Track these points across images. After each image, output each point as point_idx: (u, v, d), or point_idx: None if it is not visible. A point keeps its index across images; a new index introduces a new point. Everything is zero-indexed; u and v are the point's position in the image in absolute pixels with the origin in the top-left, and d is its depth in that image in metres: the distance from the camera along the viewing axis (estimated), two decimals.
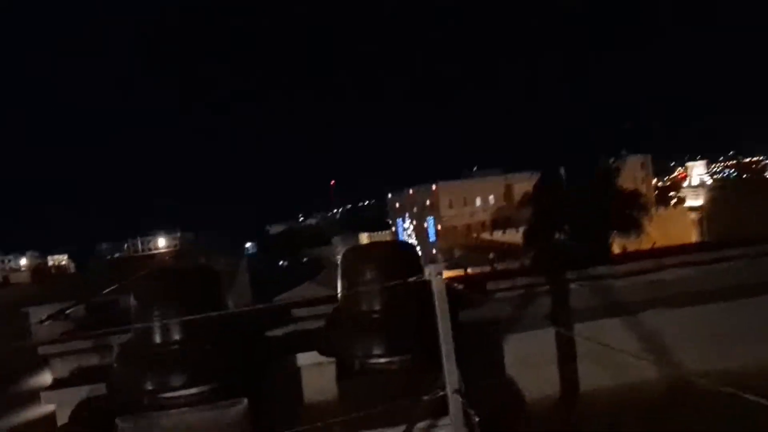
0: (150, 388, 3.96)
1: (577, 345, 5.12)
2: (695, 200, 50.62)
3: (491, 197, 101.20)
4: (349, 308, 4.39)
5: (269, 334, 5.07)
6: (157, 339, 4.11)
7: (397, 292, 4.03)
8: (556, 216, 26.90)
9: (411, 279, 3.64)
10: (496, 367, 5.04)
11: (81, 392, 4.73)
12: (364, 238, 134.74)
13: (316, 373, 4.73)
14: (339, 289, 4.66)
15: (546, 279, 5.56)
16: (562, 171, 27.75)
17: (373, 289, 4.19)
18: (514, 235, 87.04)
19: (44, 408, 5.49)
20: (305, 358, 4.79)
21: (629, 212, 26.96)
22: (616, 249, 27.63)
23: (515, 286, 5.34)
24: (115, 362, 4.25)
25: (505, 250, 73.07)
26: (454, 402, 3.36)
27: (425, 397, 3.48)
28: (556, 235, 27.40)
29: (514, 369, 5.07)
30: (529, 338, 5.07)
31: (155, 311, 4.12)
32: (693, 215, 50.82)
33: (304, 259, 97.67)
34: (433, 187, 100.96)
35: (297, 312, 5.29)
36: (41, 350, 5.29)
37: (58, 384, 5.00)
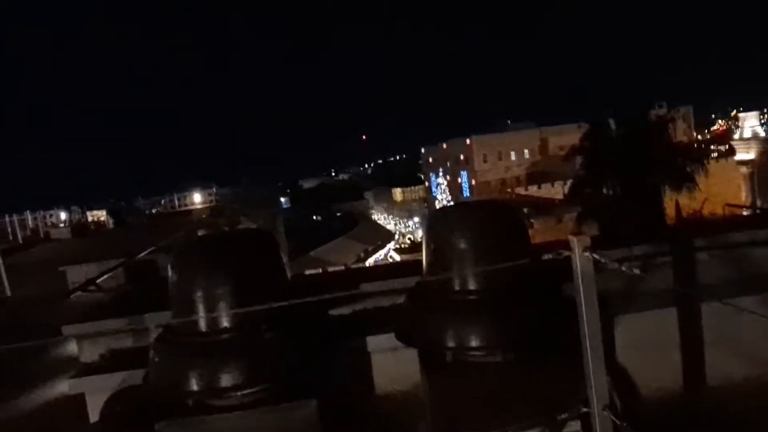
0: (196, 387, 3.17)
1: (705, 328, 4.19)
2: (746, 153, 48.11)
3: (526, 151, 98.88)
4: (440, 286, 3.49)
5: (333, 312, 4.23)
6: (204, 325, 3.31)
7: (503, 269, 3.13)
8: (605, 169, 25.54)
9: (547, 256, 2.74)
10: (605, 353, 4.15)
11: (113, 379, 4.01)
12: (397, 193, 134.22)
13: (392, 362, 3.91)
14: (425, 259, 3.73)
15: (668, 246, 4.52)
16: (611, 122, 26.22)
17: (473, 263, 3.30)
18: (550, 190, 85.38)
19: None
20: (378, 343, 3.97)
21: (683, 165, 25.43)
22: (668, 205, 26.31)
23: (629, 256, 4.32)
24: (152, 353, 3.44)
25: (541, 206, 71.58)
26: (603, 422, 2.51)
27: (562, 416, 2.62)
28: (604, 190, 26.09)
29: (627, 356, 4.17)
30: (646, 319, 4.15)
31: (199, 289, 3.30)
32: (744, 169, 48.40)
33: (338, 214, 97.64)
34: (467, 141, 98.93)
35: (366, 286, 4.37)
36: (66, 330, 4.54)
37: (87, 370, 4.27)
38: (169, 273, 3.55)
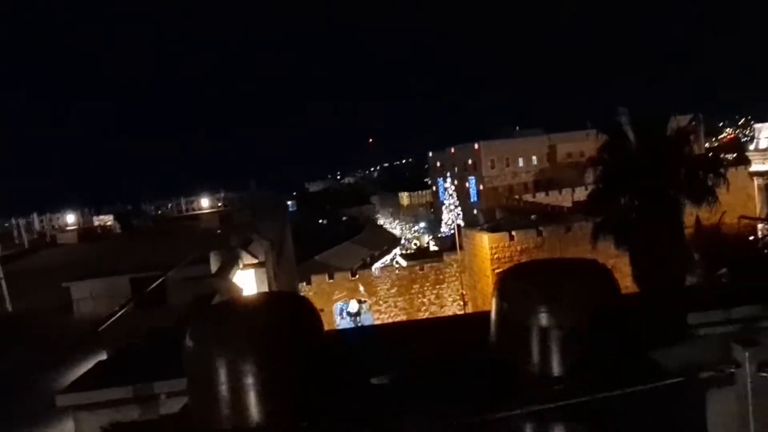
0: None
1: None
2: (763, 164, 47.35)
3: (534, 157, 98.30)
4: (518, 366, 2.88)
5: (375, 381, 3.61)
6: (227, 410, 2.70)
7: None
8: (623, 181, 24.90)
9: (706, 374, 2.15)
10: None
11: None
12: (403, 197, 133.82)
13: None
14: (495, 327, 3.10)
15: None
16: (629, 132, 25.57)
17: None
18: (557, 197, 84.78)
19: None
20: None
21: (704, 178, 24.75)
22: (687, 219, 25.65)
23: (736, 318, 3.58)
24: None
25: (549, 213, 70.99)
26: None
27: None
28: (622, 201, 25.47)
29: None
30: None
31: (224, 376, 2.69)
32: (759, 180, 47.68)
33: (344, 218, 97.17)
34: (476, 146, 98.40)
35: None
36: (60, 401, 3.93)
37: None
38: (186, 346, 2.92)
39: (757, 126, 53.63)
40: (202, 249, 16.06)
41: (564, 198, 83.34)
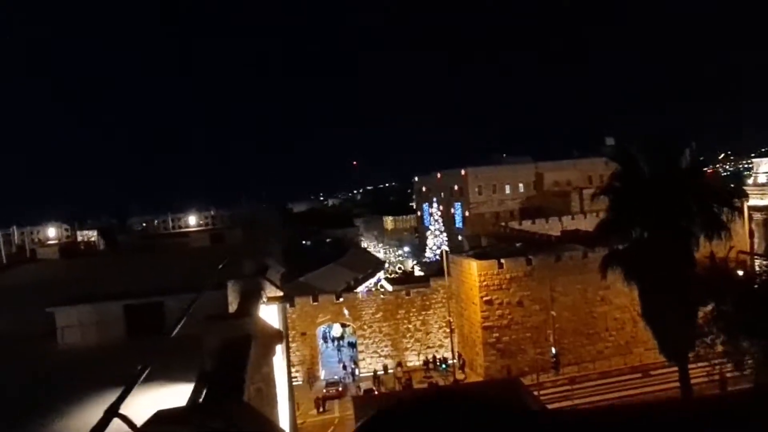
0: None
1: None
2: (761, 199, 47.08)
3: (521, 185, 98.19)
4: None
5: None
6: None
7: None
8: (636, 212, 24.20)
9: None
10: None
11: None
12: (388, 221, 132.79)
13: None
14: None
15: None
16: (642, 162, 24.94)
17: None
18: (544, 226, 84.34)
19: None
20: None
21: (717, 211, 24.13)
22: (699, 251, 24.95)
23: None
24: None
25: (537, 242, 70.29)
26: None
27: None
28: (633, 234, 24.73)
29: None
30: None
31: None
32: (758, 215, 47.39)
33: (327, 240, 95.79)
34: (462, 171, 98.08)
35: None
36: None
37: None
38: None
39: (756, 161, 53.47)
40: (199, 272, 14.83)
41: (551, 226, 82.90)
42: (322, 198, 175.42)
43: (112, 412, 4.32)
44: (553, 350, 52.36)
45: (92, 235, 40.12)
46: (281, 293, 12.50)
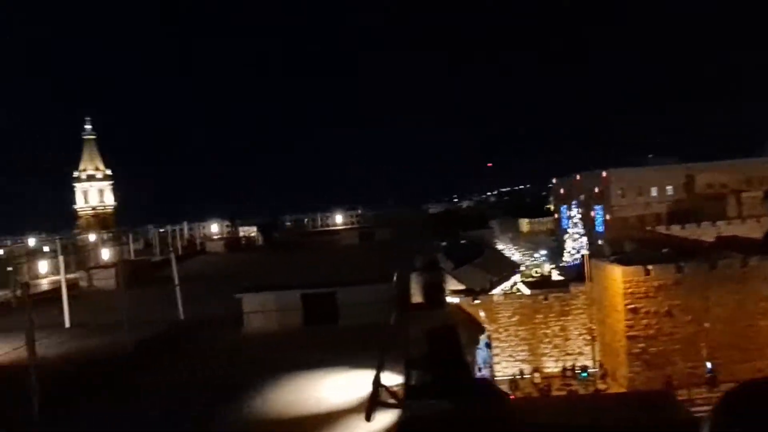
0: None
1: None
2: None
3: (669, 187, 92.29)
4: None
5: None
6: None
7: None
8: None
9: None
10: None
11: None
12: (524, 223, 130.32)
13: None
14: None
15: None
16: None
17: None
18: (695, 231, 78.76)
19: None
20: None
21: None
22: None
23: None
24: None
25: (687, 248, 65.84)
26: None
27: None
28: None
29: None
30: None
31: None
32: None
33: (462, 241, 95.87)
34: (603, 173, 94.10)
35: None
36: None
37: None
38: None
39: None
40: (365, 266, 15.71)
41: (704, 232, 77.32)
42: (455, 200, 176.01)
43: (377, 383, 4.98)
44: (708, 365, 48.98)
45: (252, 231, 43.29)
46: (462, 286, 13.05)
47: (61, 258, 18.49)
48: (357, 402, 7.67)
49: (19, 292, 21.81)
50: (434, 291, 10.19)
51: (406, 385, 6.88)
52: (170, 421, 8.91)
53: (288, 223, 46.70)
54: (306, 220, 47.06)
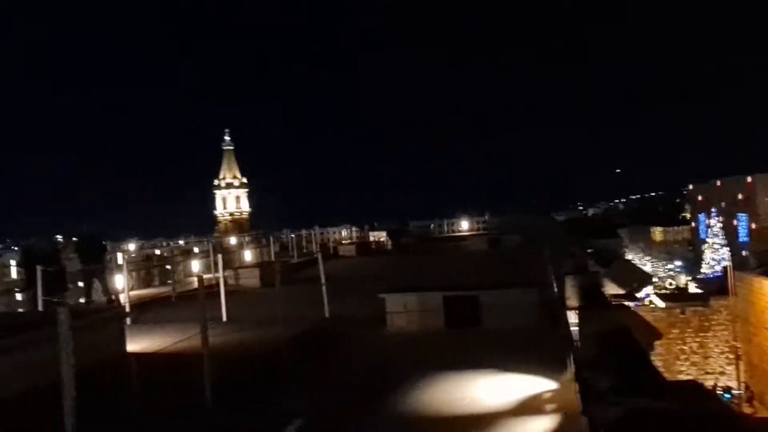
0: None
1: None
2: None
3: None
4: None
5: None
6: None
7: None
8: None
9: None
10: None
11: None
12: (656, 232, 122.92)
13: None
14: None
15: None
16: None
17: None
18: None
19: None
20: None
21: None
22: None
23: None
24: None
25: None
26: None
27: None
28: None
29: None
30: None
31: None
32: None
33: (589, 250, 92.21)
34: (749, 179, 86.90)
35: None
36: None
37: None
38: None
39: None
40: (500, 271, 15.67)
41: None
42: (581, 207, 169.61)
43: (580, 380, 5.11)
44: None
45: (381, 235, 44.33)
46: (623, 290, 12.75)
47: (219, 257, 20.07)
48: (513, 404, 7.75)
49: (177, 288, 23.90)
50: (593, 293, 10.06)
51: (582, 385, 6.87)
52: (329, 414, 9.40)
53: (415, 229, 47.34)
54: (432, 225, 47.45)
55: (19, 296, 22.07)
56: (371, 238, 44.62)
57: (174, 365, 13.21)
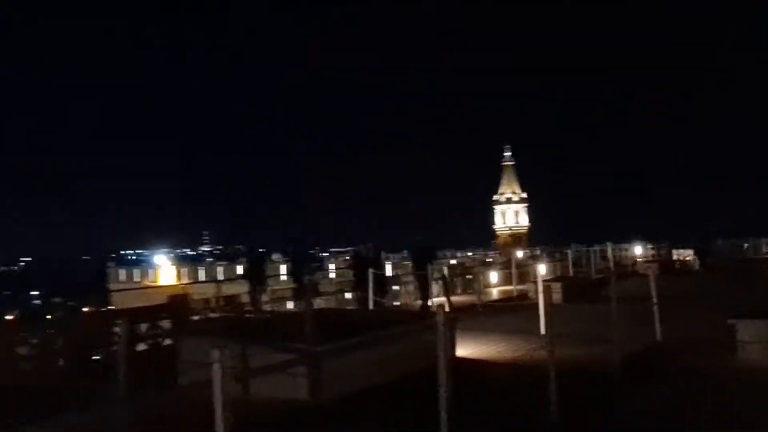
0: None
1: None
2: None
3: None
4: None
5: None
6: None
7: None
8: None
9: None
10: None
11: None
12: None
13: None
14: None
15: None
16: None
17: None
18: None
19: None
20: None
21: None
22: None
23: None
24: None
25: None
26: None
27: None
28: None
29: None
30: None
31: None
32: None
33: None
34: None
35: None
36: None
37: None
38: None
39: None
40: None
41: None
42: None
43: None
44: None
45: (687, 254, 40.60)
46: None
47: (543, 266, 20.23)
48: None
49: (482, 297, 24.78)
50: None
51: None
52: None
53: (724, 247, 42.36)
54: (746, 245, 41.90)
55: (348, 295, 25.24)
56: (674, 257, 41.00)
57: (505, 373, 13.50)
